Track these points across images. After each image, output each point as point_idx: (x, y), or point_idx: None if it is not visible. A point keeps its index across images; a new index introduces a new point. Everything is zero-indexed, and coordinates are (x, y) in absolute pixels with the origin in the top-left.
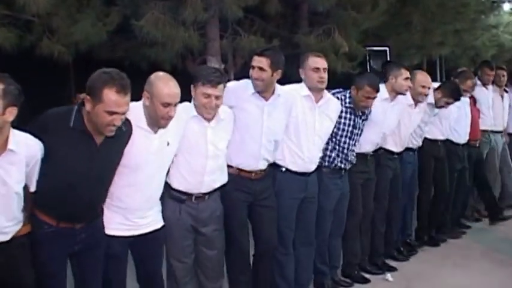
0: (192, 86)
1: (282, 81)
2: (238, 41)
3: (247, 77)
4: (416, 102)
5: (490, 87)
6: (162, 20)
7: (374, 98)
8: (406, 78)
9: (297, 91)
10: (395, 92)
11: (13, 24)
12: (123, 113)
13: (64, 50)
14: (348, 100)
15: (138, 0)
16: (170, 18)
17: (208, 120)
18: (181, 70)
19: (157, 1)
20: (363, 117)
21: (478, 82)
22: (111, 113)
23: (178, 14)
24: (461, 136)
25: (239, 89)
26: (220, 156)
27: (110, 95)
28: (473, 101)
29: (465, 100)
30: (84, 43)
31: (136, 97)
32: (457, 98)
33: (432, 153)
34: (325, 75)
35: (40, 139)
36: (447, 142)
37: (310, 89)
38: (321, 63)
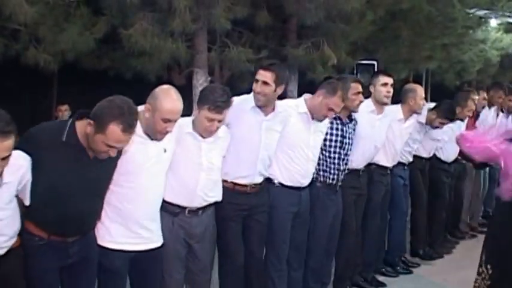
0: (196, 104)
1: None
2: (227, 53)
3: (234, 89)
4: (413, 113)
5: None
6: (150, 31)
7: (362, 92)
8: (384, 84)
9: (293, 108)
10: (379, 103)
11: None
12: (121, 147)
13: (50, 59)
14: None
15: (126, 10)
16: (158, 29)
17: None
18: (167, 81)
19: (146, 12)
20: (350, 125)
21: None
22: (110, 146)
23: (167, 25)
24: (449, 155)
25: (239, 105)
26: (214, 170)
27: (115, 132)
28: (475, 117)
29: (460, 123)
30: (71, 52)
31: None
32: (451, 119)
33: (418, 166)
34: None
35: (30, 153)
36: (432, 158)
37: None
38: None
